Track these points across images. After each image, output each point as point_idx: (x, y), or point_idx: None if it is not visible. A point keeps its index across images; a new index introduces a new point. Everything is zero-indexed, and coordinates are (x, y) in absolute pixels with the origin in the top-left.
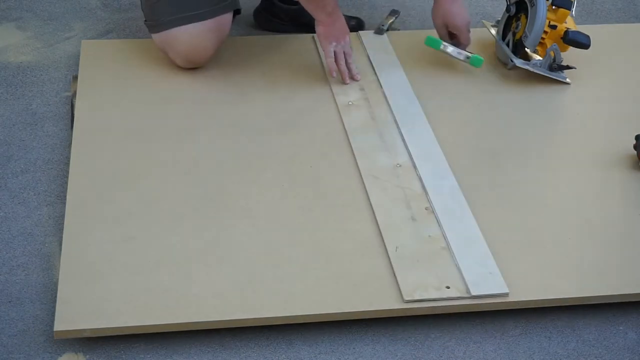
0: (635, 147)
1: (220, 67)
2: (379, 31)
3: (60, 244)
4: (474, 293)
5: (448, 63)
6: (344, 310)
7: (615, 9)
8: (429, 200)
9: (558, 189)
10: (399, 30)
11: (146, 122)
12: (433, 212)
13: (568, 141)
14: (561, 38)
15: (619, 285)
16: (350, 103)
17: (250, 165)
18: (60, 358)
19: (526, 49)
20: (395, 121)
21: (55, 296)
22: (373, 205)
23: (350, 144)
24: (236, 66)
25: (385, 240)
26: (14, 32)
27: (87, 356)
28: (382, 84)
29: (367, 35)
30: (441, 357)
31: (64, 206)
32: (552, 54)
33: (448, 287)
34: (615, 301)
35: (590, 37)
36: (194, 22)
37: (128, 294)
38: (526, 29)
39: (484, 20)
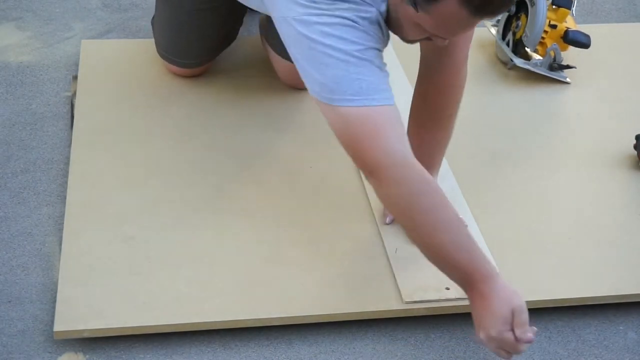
0: (635, 147)
1: (220, 67)
2: None
3: (60, 244)
4: None
5: None
6: (344, 310)
7: (615, 9)
8: None
9: (558, 189)
10: None
11: (146, 122)
12: None
13: (568, 141)
14: (561, 37)
15: (619, 285)
16: None
17: (250, 165)
18: (60, 358)
19: (526, 48)
20: None
21: (55, 296)
22: (373, 206)
23: None
24: (236, 66)
25: (384, 242)
26: (14, 32)
27: (87, 356)
28: None
29: None
30: (441, 357)
31: (64, 206)
32: (552, 53)
33: (448, 289)
34: (615, 301)
35: (590, 37)
36: (181, 67)
37: (128, 294)
38: (526, 29)
39: (484, 20)
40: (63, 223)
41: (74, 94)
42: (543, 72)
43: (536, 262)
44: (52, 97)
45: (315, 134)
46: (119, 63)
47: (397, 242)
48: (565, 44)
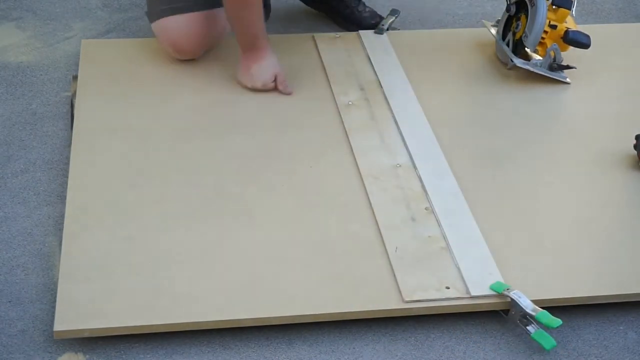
0: (635, 147)
1: (220, 66)
2: (379, 31)
3: (60, 244)
4: (473, 294)
5: (448, 63)
6: (344, 310)
7: (615, 9)
8: (428, 201)
9: (558, 189)
10: (399, 30)
11: (146, 122)
12: (433, 212)
13: (568, 141)
14: (561, 38)
15: (619, 285)
16: (350, 103)
17: (250, 165)
18: (60, 358)
19: (526, 48)
20: (395, 121)
21: (55, 296)
22: (373, 206)
23: (350, 144)
24: (237, 66)
25: (385, 241)
26: (14, 32)
27: (87, 356)
28: (382, 84)
29: (367, 35)
30: (441, 357)
31: (64, 206)
32: (552, 53)
33: (448, 288)
34: (615, 301)
35: (591, 37)
36: (182, 12)
37: (128, 294)
38: (526, 29)
39: (484, 20)
40: (63, 223)
41: (74, 94)
42: (543, 72)
43: (536, 262)
44: (52, 97)
45: (315, 134)
46: (119, 63)
47: (397, 242)
48: (565, 44)
